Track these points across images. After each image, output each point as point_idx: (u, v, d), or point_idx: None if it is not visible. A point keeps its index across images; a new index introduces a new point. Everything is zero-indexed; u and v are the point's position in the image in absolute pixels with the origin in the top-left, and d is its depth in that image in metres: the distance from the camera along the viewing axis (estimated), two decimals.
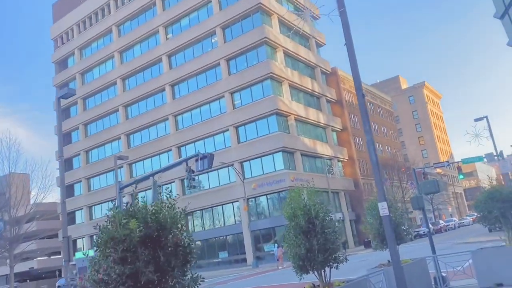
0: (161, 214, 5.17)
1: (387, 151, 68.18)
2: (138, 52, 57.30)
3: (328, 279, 7.77)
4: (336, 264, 7.76)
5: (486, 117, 33.17)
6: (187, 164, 18.46)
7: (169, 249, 5.00)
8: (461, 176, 35.23)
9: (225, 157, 45.75)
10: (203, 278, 5.34)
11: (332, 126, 54.62)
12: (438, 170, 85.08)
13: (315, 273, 7.71)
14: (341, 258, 7.79)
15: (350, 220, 51.33)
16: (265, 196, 44.98)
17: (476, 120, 34.00)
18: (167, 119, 52.81)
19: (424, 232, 51.21)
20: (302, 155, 47.02)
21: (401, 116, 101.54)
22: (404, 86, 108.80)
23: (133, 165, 55.49)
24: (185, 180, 18.58)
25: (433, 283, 11.36)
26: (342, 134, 56.47)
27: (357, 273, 12.82)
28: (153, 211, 5.17)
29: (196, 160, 18.06)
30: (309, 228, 7.65)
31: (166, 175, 47.85)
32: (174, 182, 49.24)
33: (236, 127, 47.62)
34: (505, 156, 35.94)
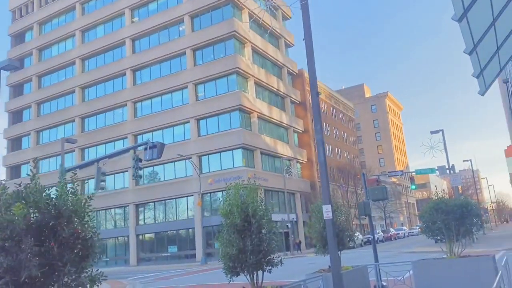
0: (61, 200, 4.40)
1: (346, 157, 69.13)
2: (101, 33, 55.02)
3: (260, 283, 7.23)
4: (269, 267, 7.23)
5: (442, 130, 33.96)
6: (134, 152, 17.51)
7: (66, 241, 4.26)
8: (413, 187, 35.92)
9: (183, 149, 44.69)
10: (106, 276, 4.64)
11: (294, 127, 54.64)
12: (393, 179, 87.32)
13: (247, 276, 7.15)
14: (276, 261, 7.26)
15: (303, 222, 51.51)
16: (221, 192, 44.12)
17: (432, 132, 34.77)
18: (126, 105, 51.03)
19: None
20: (262, 153, 46.67)
21: (362, 123, 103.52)
22: (368, 94, 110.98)
23: (86, 150, 53.31)
24: (132, 169, 17.58)
25: None
26: (303, 136, 56.62)
27: (299, 277, 12.38)
28: (51, 196, 4.39)
29: (145, 149, 17.12)
30: (244, 227, 7.08)
31: (119, 164, 46.30)
32: (127, 171, 47.60)
33: (198, 120, 46.63)
34: (456, 170, 37.02)
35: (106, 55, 54.33)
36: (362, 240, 49.52)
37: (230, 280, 7.20)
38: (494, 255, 9.80)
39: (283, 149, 50.49)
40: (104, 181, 17.79)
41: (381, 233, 54.84)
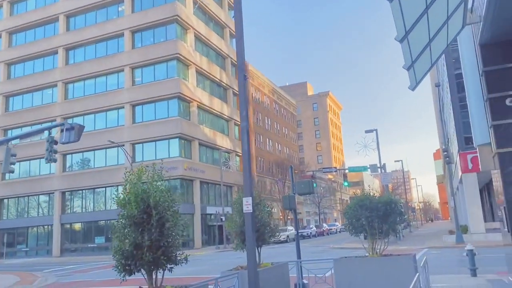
0: None
1: (285, 152, 69.63)
2: (32, 6, 50.76)
3: (160, 283, 6.33)
4: (171, 266, 6.36)
5: (376, 130, 34.73)
6: (49, 134, 15.81)
7: None
8: (346, 183, 36.59)
9: (116, 136, 42.42)
10: None
11: (235, 120, 53.85)
12: (329, 176, 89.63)
13: (145, 275, 6.23)
14: (179, 258, 6.40)
15: None
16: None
17: (367, 132, 35.50)
18: (56, 85, 47.53)
19: (307, 234, 52.91)
20: (200, 144, 45.46)
21: (303, 120, 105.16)
22: (310, 92, 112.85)
23: (9, 131, 49.04)
24: (46, 152, 15.86)
25: None
26: None
27: (217, 273, 11.57)
28: None
29: (62, 131, 15.48)
30: (143, 220, 6.14)
31: (40, 148, 42.98)
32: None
33: (133, 106, 44.43)
34: (388, 170, 38.23)
35: (36, 30, 50.20)
36: (295, 235, 49.86)
37: (123, 280, 6.23)
38: (414, 255, 9.63)
39: (223, 141, 49.61)
40: (13, 163, 15.90)
41: (314, 228, 55.72)
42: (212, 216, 43.05)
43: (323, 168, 44.88)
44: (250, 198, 8.66)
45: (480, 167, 10.57)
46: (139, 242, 5.95)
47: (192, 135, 43.52)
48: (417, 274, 5.83)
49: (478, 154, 10.62)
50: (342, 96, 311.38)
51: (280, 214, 57.62)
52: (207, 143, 46.55)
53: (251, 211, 8.57)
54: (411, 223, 73.06)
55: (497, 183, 10.33)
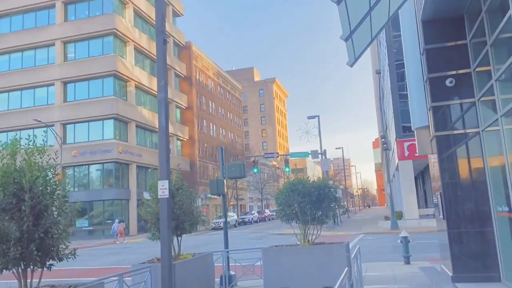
0: None
1: (230, 137, 68.59)
2: None
3: (37, 284, 5.06)
4: (49, 263, 5.11)
5: (318, 116, 34.60)
6: None
7: None
8: (287, 169, 36.32)
9: (45, 115, 39.22)
10: None
11: (177, 103, 51.90)
12: (274, 162, 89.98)
13: (14, 272, 4.93)
14: (62, 253, 5.15)
15: None
16: (86, 166, 39.95)
17: (309, 118, 35.29)
18: None
19: (249, 220, 52.52)
20: (137, 126, 43.20)
21: (249, 106, 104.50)
22: (257, 78, 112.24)
23: None
24: None
25: (219, 282, 9.64)
26: (186, 113, 54.21)
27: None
28: None
29: None
30: (12, 205, 4.82)
31: None
32: None
33: (65, 83, 41.22)
34: (330, 157, 38.41)
35: None
36: (236, 221, 49.39)
37: None
38: (347, 243, 9.00)
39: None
40: None
41: (256, 214, 55.50)
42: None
43: (264, 154, 44.40)
44: (167, 181, 7.52)
45: (417, 151, 10.12)
46: (5, 233, 4.64)
47: (128, 116, 41.18)
48: (346, 269, 5.02)
49: (415, 140, 10.15)
50: (289, 85, 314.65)
51: None
52: (145, 126, 44.35)
53: (167, 196, 7.44)
54: (349, 209, 75.21)
55: (434, 168, 9.92)
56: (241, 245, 22.48)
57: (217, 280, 9.72)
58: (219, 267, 9.85)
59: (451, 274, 8.51)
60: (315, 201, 8.87)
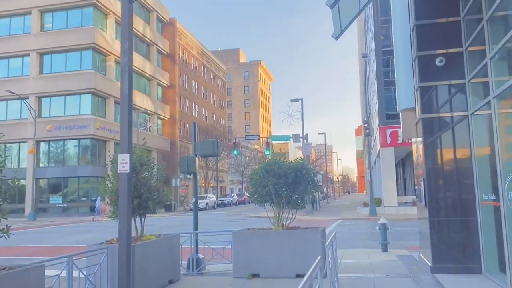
0: None
1: (212, 119, 67.59)
2: None
3: None
4: None
5: (301, 99, 33.98)
6: None
7: None
8: (268, 152, 35.76)
9: (20, 86, 37.66)
10: None
11: (159, 80, 50.56)
12: (256, 146, 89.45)
13: None
14: None
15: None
16: (62, 141, 38.65)
17: (292, 101, 34.65)
18: None
19: (228, 202, 52.11)
20: (116, 102, 41.83)
21: (233, 88, 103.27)
22: (242, 60, 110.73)
23: None
24: None
25: (186, 265, 9.05)
26: (168, 91, 52.92)
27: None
28: None
29: None
30: None
31: None
32: None
33: (41, 54, 39.54)
34: (312, 142, 37.98)
35: None
36: (215, 203, 48.92)
37: None
38: (323, 229, 8.48)
39: (143, 102, 46.28)
40: None
41: (235, 196, 55.14)
42: None
43: (245, 136, 43.77)
44: (128, 155, 6.79)
45: (401, 134, 9.60)
46: None
47: (107, 91, 39.84)
48: (318, 257, 4.46)
49: (400, 122, 9.62)
50: (274, 68, 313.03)
51: (202, 182, 56.08)
52: None
53: (128, 171, 6.73)
54: (329, 195, 75.54)
55: (418, 153, 9.42)
56: (216, 227, 21.96)
57: (185, 263, 9.13)
58: (188, 250, 9.25)
59: (430, 264, 8.09)
60: (291, 183, 8.29)
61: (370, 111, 32.26)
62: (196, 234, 9.21)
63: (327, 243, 5.69)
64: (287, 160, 9.36)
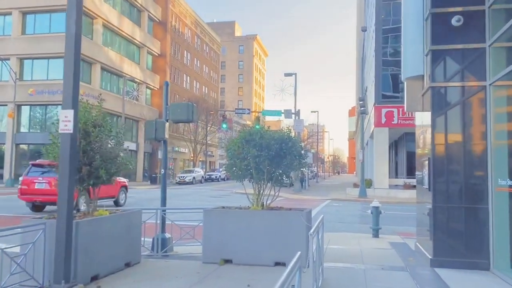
0: None
1: (204, 92, 65.83)
2: None
3: None
4: None
5: (295, 74, 32.56)
6: None
7: None
8: (258, 126, 34.36)
9: (0, 47, 35.63)
10: None
11: (149, 48, 48.57)
12: (248, 122, 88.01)
13: None
14: None
15: (144, 153, 47.36)
16: (44, 106, 36.97)
17: (286, 75, 33.23)
18: None
19: (216, 177, 51.10)
20: (103, 69, 40.08)
21: (227, 63, 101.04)
22: (238, 34, 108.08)
23: None
24: None
25: (151, 246, 7.88)
26: (159, 60, 50.97)
27: None
28: None
29: None
30: None
31: None
32: None
33: (24, 13, 37.38)
34: (304, 121, 36.72)
35: None
36: (203, 177, 47.87)
37: None
38: (310, 210, 7.34)
39: (132, 70, 44.42)
40: None
41: (224, 172, 54.09)
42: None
43: (236, 109, 42.41)
44: (72, 112, 5.52)
45: (405, 107, 8.37)
46: None
47: (93, 57, 37.97)
48: (298, 253, 3.28)
49: (405, 93, 8.37)
50: (269, 45, 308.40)
51: (191, 155, 54.87)
52: (112, 69, 41.23)
53: (71, 131, 5.45)
54: (319, 174, 74.89)
55: (422, 129, 8.22)
56: (197, 202, 20.83)
57: (149, 240, 7.97)
58: (151, 226, 8.07)
59: (430, 257, 7.00)
60: (274, 156, 7.07)
61: (366, 89, 30.99)
62: (164, 211, 8.01)
63: (312, 229, 4.51)
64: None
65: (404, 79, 8.17)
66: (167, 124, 8.09)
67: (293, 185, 32.19)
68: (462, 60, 7.09)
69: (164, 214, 7.95)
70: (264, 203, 7.43)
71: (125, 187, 18.23)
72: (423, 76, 7.73)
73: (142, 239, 7.34)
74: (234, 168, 7.29)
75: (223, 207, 7.69)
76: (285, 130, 7.37)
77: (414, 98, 8.15)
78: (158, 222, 7.81)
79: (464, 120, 7.04)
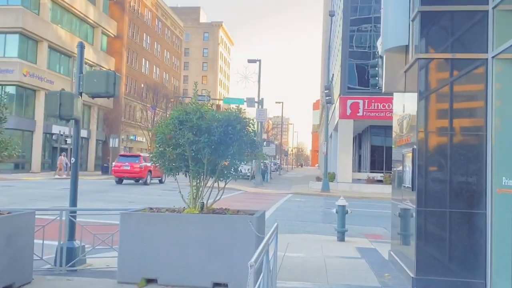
0: None
1: (164, 77, 62.95)
2: None
3: None
4: None
5: (259, 60, 30.87)
6: None
7: None
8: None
9: None
10: None
11: (104, 28, 45.36)
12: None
13: None
14: None
15: (97, 140, 44.40)
16: None
17: (250, 61, 31.49)
18: None
19: None
20: (51, 48, 36.78)
21: (191, 50, 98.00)
22: (203, 20, 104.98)
23: None
24: None
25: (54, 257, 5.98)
26: (114, 42, 47.78)
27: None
28: None
29: None
30: None
31: None
32: None
33: None
34: (268, 113, 35.13)
35: None
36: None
37: None
38: (263, 213, 5.72)
39: (85, 51, 41.13)
40: None
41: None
42: (54, 136, 35.62)
43: (193, 96, 40.05)
44: None
45: (383, 86, 6.87)
46: None
47: (40, 34, 34.67)
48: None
49: (383, 68, 6.87)
50: (236, 36, 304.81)
51: (148, 145, 52.15)
52: (62, 49, 37.96)
53: None
54: (282, 166, 73.94)
55: (405, 114, 6.72)
56: (144, 197, 18.77)
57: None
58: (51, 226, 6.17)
59: (412, 275, 5.52)
60: (217, 142, 5.35)
61: (332, 76, 29.76)
62: (74, 212, 6.13)
63: (254, 257, 2.84)
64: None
65: (383, 52, 6.63)
66: (78, 98, 6.18)
67: (254, 177, 30.65)
68: (458, 26, 5.61)
69: (73, 216, 6.06)
70: (205, 204, 5.72)
71: None
72: (406, 47, 6.22)
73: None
74: (162, 160, 5.51)
75: (151, 209, 5.91)
76: (233, 110, 5.65)
77: (394, 75, 6.64)
78: (64, 228, 5.91)
79: (457, 102, 5.58)
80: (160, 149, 5.57)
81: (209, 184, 5.79)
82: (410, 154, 5.80)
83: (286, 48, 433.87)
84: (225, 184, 5.86)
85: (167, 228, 5.33)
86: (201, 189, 5.70)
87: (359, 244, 8.91)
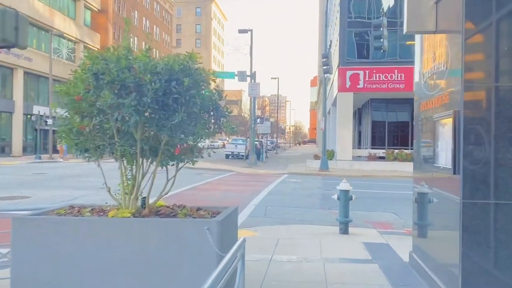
0: None
1: (155, 55, 60.24)
2: None
3: None
4: None
5: (251, 30, 28.59)
6: None
7: None
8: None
9: None
10: None
11: (87, 2, 42.68)
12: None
13: None
14: None
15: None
16: None
17: (241, 31, 29.17)
18: None
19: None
20: (30, 23, 34.24)
21: (184, 26, 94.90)
22: None
23: None
24: None
25: None
26: (99, 16, 45.11)
27: None
28: None
29: None
30: None
31: None
32: None
33: None
34: (262, 91, 33.03)
35: None
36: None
37: None
38: (234, 209, 3.88)
39: (65, 26, 38.62)
40: None
41: None
42: (32, 117, 33.48)
43: None
44: None
45: (405, 25, 4.91)
46: None
47: (14, 6, 32.03)
48: None
49: (405, 4, 4.93)
50: (229, 10, 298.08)
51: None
52: (40, 23, 35.45)
53: None
54: (279, 145, 72.09)
55: (439, 63, 4.77)
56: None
57: None
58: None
59: None
60: (159, 105, 3.42)
61: (330, 43, 27.56)
62: None
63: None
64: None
65: None
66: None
67: (248, 157, 28.81)
68: None
69: None
70: (146, 201, 3.84)
71: None
72: None
73: None
74: (69, 135, 3.58)
75: (71, 206, 4.03)
76: (181, 56, 3.72)
77: (419, 10, 4.66)
78: None
79: None
80: (66, 122, 3.63)
81: (151, 170, 3.91)
82: (449, 121, 3.89)
83: (283, 25, 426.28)
84: (177, 170, 3.99)
85: (82, 242, 3.46)
86: (138, 178, 3.81)
87: (366, 238, 7.13)
